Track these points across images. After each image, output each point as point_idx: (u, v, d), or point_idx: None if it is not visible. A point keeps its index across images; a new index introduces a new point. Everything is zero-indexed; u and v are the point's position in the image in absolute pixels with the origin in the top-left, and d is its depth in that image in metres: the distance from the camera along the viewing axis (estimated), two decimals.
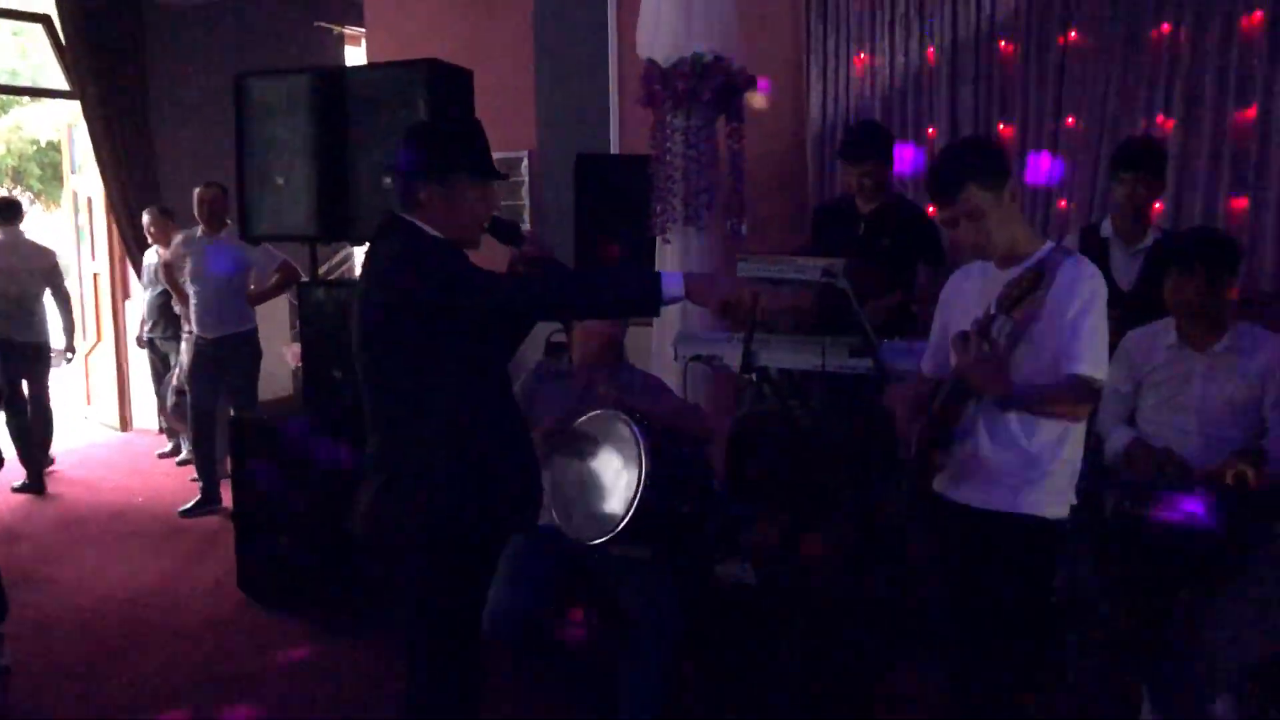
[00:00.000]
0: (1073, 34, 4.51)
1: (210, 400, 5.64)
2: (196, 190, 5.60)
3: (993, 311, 2.21)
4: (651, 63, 4.15)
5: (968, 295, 2.45)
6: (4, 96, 14.84)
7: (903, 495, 3.11)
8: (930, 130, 4.86)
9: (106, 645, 3.97)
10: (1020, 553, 2.35)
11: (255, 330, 5.69)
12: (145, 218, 6.50)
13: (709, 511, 2.78)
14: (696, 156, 4.11)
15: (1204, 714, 2.62)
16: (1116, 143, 4.09)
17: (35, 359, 6.20)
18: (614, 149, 5.80)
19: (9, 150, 15.40)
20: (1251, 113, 4.17)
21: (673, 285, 2.13)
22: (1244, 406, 2.85)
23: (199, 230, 5.55)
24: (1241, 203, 4.21)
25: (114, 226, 7.60)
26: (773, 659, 3.04)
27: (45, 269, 6.20)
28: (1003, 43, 4.67)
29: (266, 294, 5.72)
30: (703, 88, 4.01)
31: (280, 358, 6.73)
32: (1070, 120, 4.54)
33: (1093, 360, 2.25)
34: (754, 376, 3.93)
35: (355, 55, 8.63)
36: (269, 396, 5.77)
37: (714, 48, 4.08)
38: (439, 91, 3.80)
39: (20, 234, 6.22)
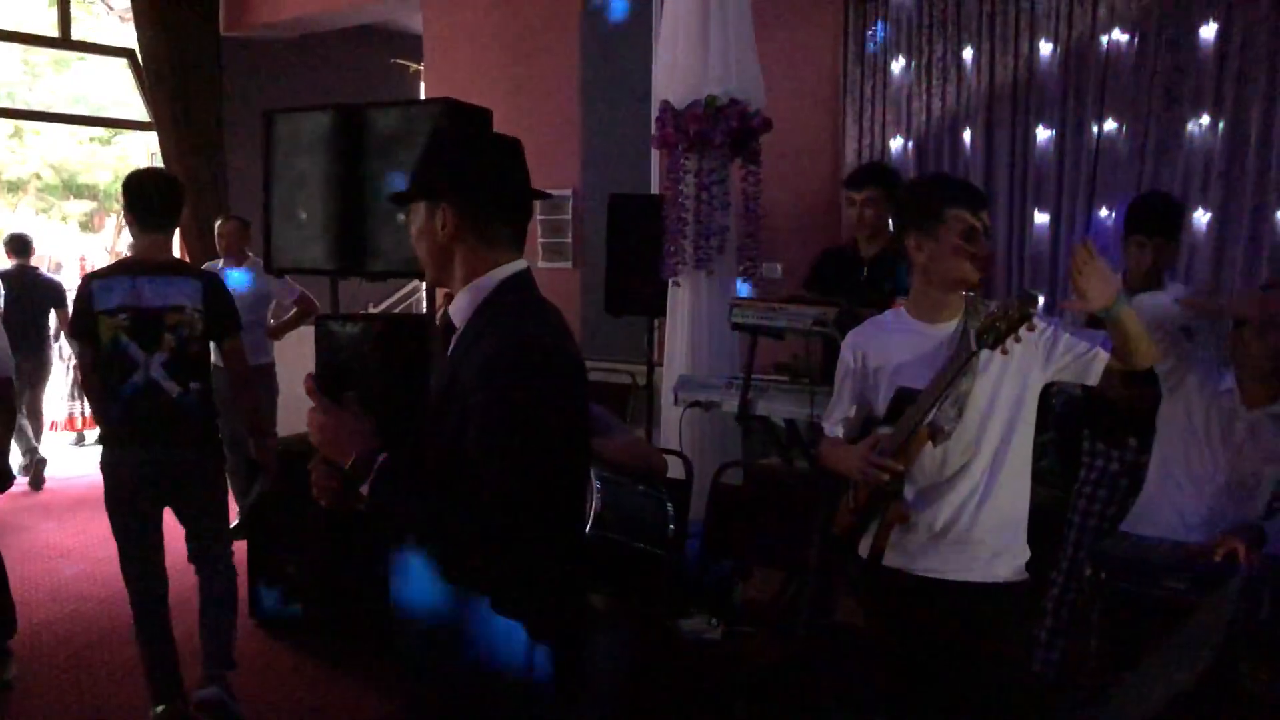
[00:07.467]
0: None
1: (227, 430, 5.30)
2: (217, 223, 5.72)
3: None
4: (666, 104, 4.14)
5: (895, 350, 2.29)
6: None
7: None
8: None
9: (91, 638, 4.20)
10: (1007, 619, 2.28)
11: (272, 364, 5.59)
12: (224, 226, 5.73)
13: (665, 556, 2.67)
14: (708, 199, 4.07)
15: None
16: None
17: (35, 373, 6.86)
18: (654, 189, 5.79)
19: (115, 177, 16.22)
20: None
21: None
22: None
23: (219, 263, 5.55)
24: None
25: (186, 250, 7.91)
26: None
27: (54, 300, 6.91)
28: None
29: (285, 326, 5.72)
30: (715, 130, 3.97)
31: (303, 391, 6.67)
32: None
33: None
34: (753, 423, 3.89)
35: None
36: (291, 431, 5.76)
37: (732, 90, 4.04)
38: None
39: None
